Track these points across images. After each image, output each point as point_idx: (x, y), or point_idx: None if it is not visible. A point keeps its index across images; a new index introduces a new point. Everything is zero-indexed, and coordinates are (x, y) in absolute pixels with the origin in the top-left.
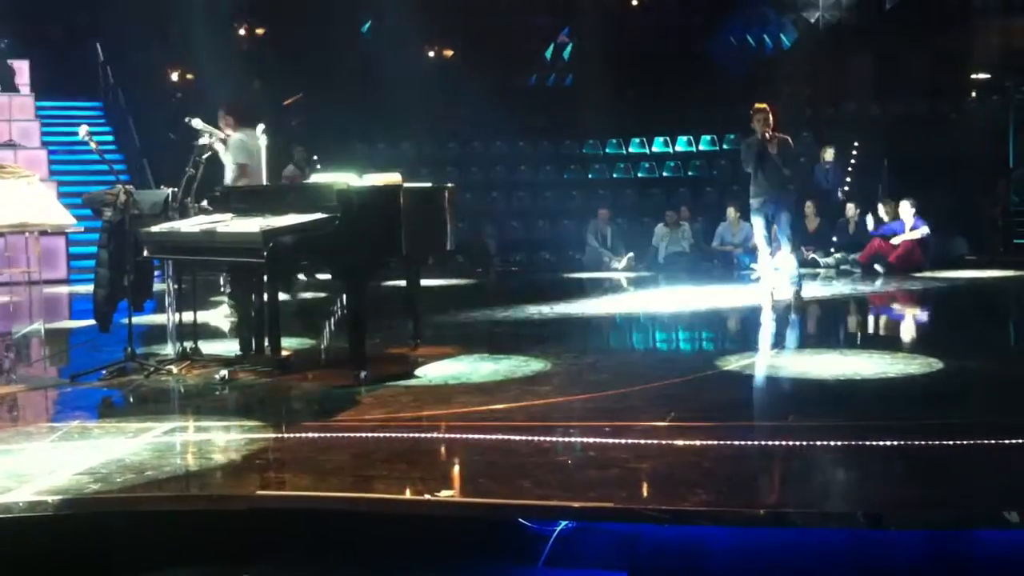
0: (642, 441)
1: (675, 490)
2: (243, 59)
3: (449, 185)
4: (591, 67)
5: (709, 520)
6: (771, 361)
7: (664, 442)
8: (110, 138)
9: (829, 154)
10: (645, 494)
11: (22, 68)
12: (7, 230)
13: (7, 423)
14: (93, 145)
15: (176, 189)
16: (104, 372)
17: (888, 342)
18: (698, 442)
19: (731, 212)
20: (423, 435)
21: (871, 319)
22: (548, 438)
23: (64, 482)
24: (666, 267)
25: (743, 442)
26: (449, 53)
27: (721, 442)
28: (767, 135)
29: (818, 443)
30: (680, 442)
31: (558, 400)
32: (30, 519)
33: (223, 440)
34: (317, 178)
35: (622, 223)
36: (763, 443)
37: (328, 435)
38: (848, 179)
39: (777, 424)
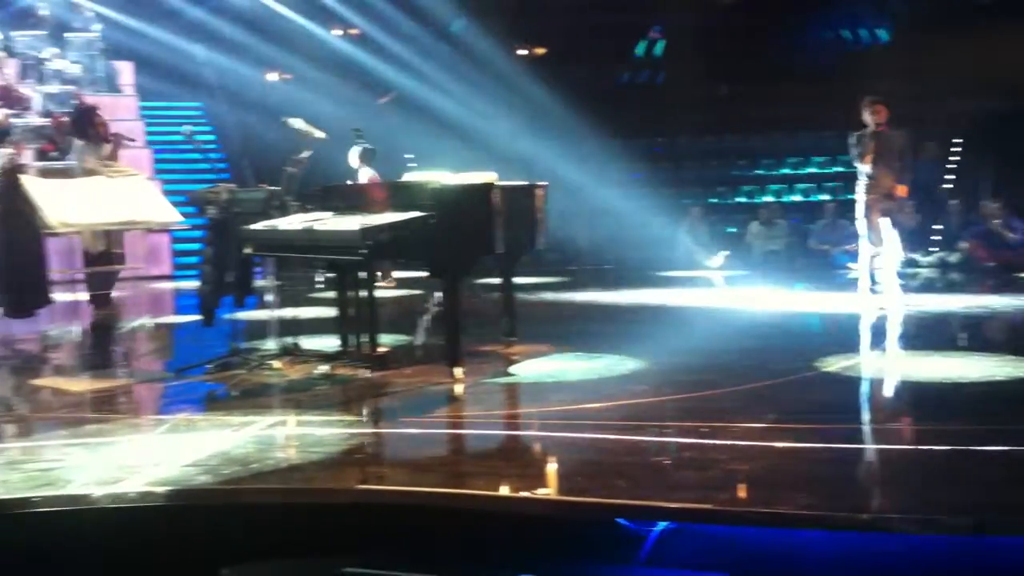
0: (740, 442)
1: (774, 493)
2: (338, 59)
3: (542, 183)
4: (683, 64)
5: (810, 524)
6: (873, 363)
7: (763, 444)
8: (212, 137)
9: (930, 151)
10: (744, 496)
11: (126, 69)
12: (116, 227)
13: (117, 415)
14: (196, 144)
15: (276, 187)
16: (208, 366)
17: (994, 344)
18: (798, 444)
19: (830, 209)
20: (519, 432)
21: (975, 320)
22: (644, 438)
23: (172, 473)
24: (761, 266)
25: (844, 445)
26: (540, 51)
27: (821, 445)
28: (880, 129)
29: (921, 447)
30: (779, 444)
31: (653, 399)
32: (139, 509)
33: (324, 435)
34: (412, 177)
35: (716, 221)
36: (864, 446)
37: (425, 431)
38: (950, 177)
39: (879, 427)
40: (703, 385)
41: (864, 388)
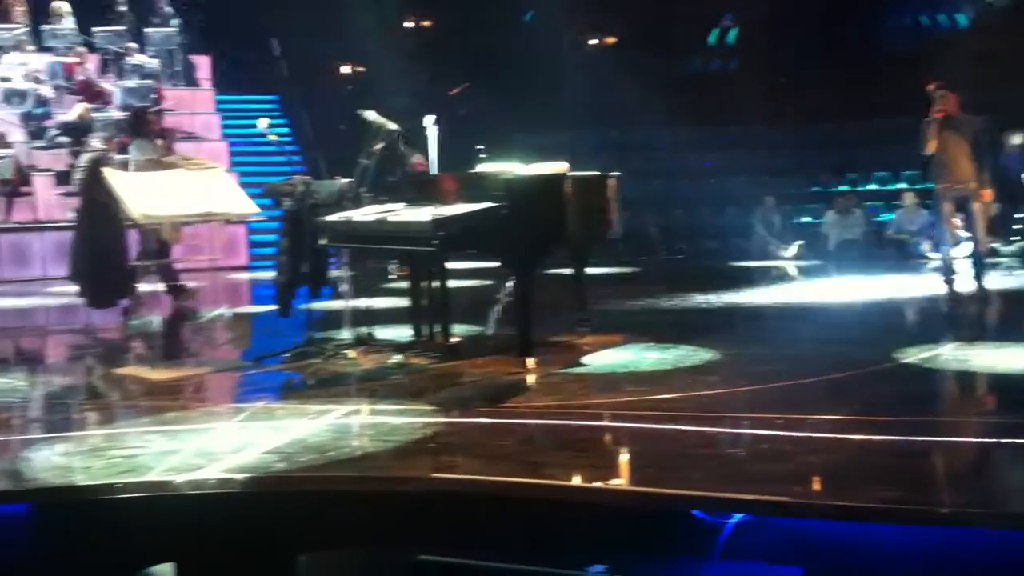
0: (816, 435)
1: (851, 486)
2: (411, 52)
3: (614, 173)
4: (756, 51)
5: (887, 518)
6: (953, 354)
7: (840, 436)
8: (286, 130)
9: (1017, 138)
10: (820, 489)
11: (202, 63)
12: (195, 219)
13: (196, 403)
14: (272, 137)
15: (351, 179)
16: (285, 355)
17: None
18: (875, 437)
19: (908, 198)
20: (592, 423)
21: None
22: (718, 429)
23: (251, 461)
24: (837, 255)
25: (923, 438)
26: (611, 40)
27: (900, 438)
28: (951, 115)
29: (1002, 441)
30: (857, 436)
31: (727, 390)
32: (218, 496)
33: (398, 423)
34: (485, 167)
35: (790, 210)
36: (944, 439)
37: (498, 420)
38: None
39: (958, 420)
40: (778, 376)
41: (944, 380)
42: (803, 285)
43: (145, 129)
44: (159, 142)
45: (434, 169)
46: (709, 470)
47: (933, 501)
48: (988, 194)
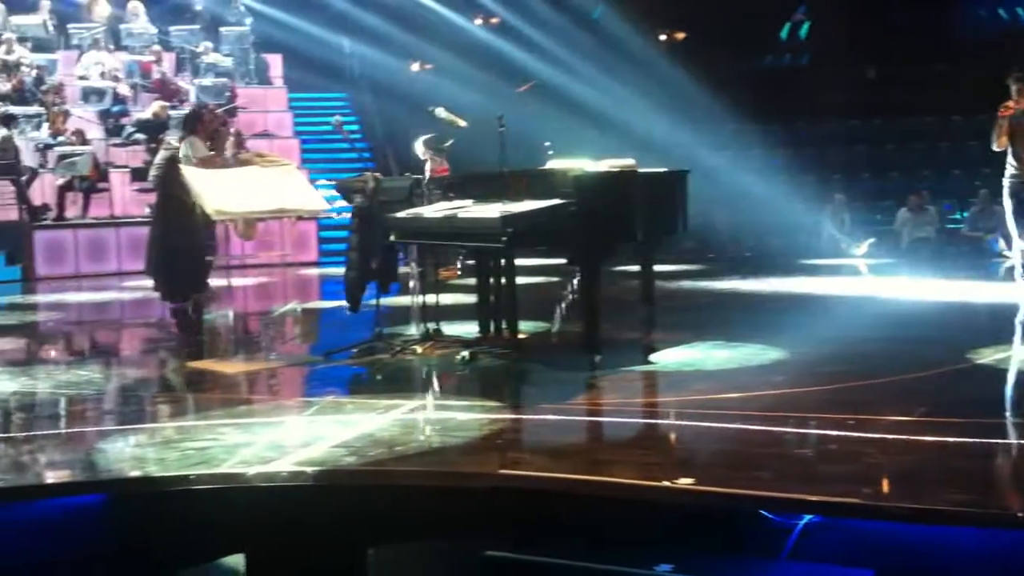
0: (888, 436)
1: (924, 488)
2: (480, 49)
3: (682, 169)
4: (829, 46)
5: (960, 521)
6: None
7: (912, 437)
8: (356, 127)
9: None
10: (892, 491)
11: (275, 62)
12: (268, 216)
13: (267, 397)
14: (344, 135)
15: (420, 176)
16: (354, 350)
17: None
18: (949, 439)
19: (983, 195)
20: (658, 421)
21: None
22: (787, 429)
23: (321, 454)
24: (909, 253)
25: (997, 440)
26: (681, 36)
27: (974, 440)
28: (1009, 110)
29: None
30: (929, 438)
31: (796, 390)
32: (288, 488)
33: (465, 419)
34: (553, 164)
35: (861, 207)
36: (1018, 442)
37: (565, 418)
38: None
39: None
40: (848, 376)
41: (1019, 381)
42: (874, 283)
43: (200, 128)
44: (208, 143)
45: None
46: (778, 470)
47: (1007, 504)
48: None
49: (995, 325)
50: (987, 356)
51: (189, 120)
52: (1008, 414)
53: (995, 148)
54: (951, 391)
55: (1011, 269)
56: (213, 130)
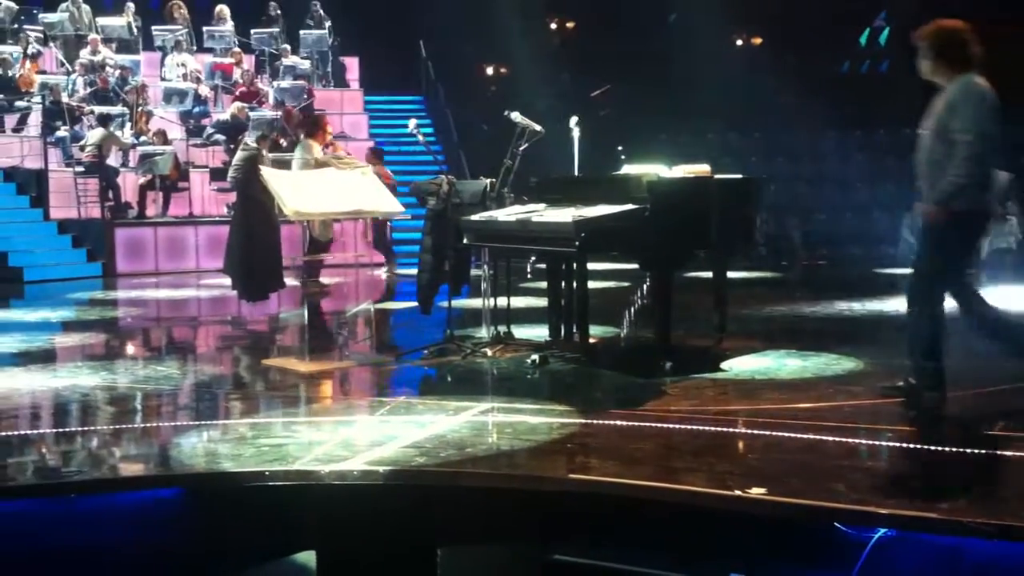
0: (967, 450)
1: (1004, 504)
2: (554, 53)
3: (758, 176)
4: (909, 52)
5: None
6: None
7: (992, 452)
8: (430, 130)
9: None
10: (971, 506)
11: (352, 65)
12: (344, 216)
13: (340, 396)
14: (420, 138)
15: (494, 179)
16: (425, 352)
17: None
18: None
19: None
20: (730, 430)
21: None
22: (862, 440)
23: (392, 454)
24: (989, 264)
25: None
26: (758, 41)
27: None
28: None
29: None
30: (1011, 453)
31: (871, 401)
32: (360, 487)
33: (535, 422)
34: (627, 169)
35: None
36: None
37: (635, 424)
38: None
39: None
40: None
41: None
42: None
43: (319, 132)
44: (324, 148)
45: (576, 171)
46: (852, 482)
47: None
48: None
49: None
50: None
51: (310, 124)
52: None
53: None
54: None
55: None
56: (331, 140)
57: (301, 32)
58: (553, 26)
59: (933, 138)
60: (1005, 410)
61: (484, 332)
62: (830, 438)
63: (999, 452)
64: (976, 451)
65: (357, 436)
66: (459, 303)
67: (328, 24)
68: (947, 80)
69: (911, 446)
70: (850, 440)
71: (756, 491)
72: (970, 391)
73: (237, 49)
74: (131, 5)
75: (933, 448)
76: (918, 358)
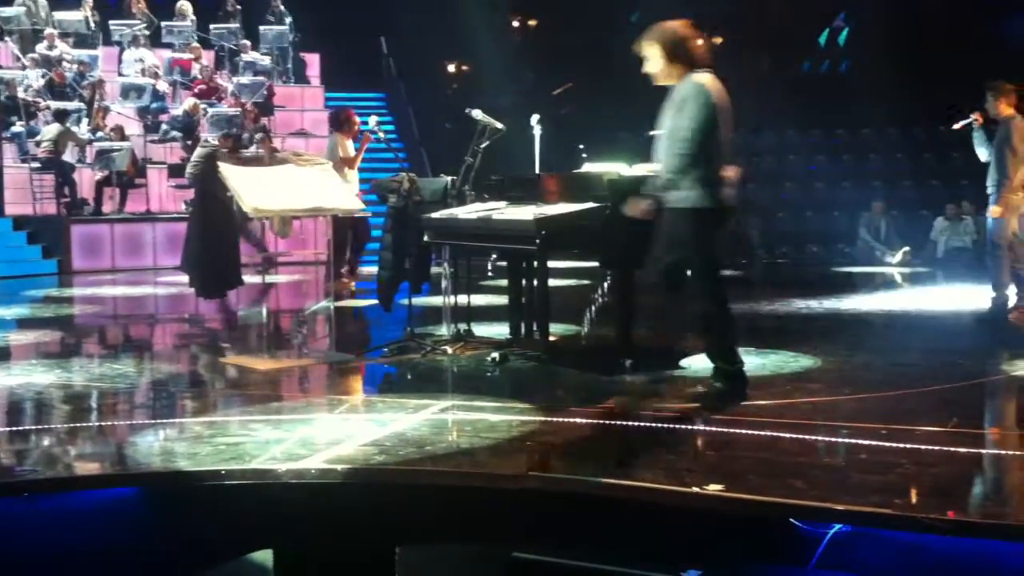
0: (922, 446)
1: (958, 499)
2: (516, 50)
3: None
4: (869, 53)
5: (996, 533)
6: None
7: (946, 448)
8: (391, 127)
9: None
10: (926, 502)
11: (313, 61)
12: (303, 214)
13: (299, 394)
14: (381, 135)
15: (455, 177)
16: (386, 350)
17: None
18: (984, 451)
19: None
20: (689, 427)
21: None
22: (820, 437)
23: (351, 452)
24: (945, 263)
25: None
26: (718, 40)
27: (1009, 452)
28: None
29: None
30: (963, 449)
31: (829, 399)
32: (318, 486)
33: (495, 420)
34: (588, 168)
35: (897, 216)
36: None
37: (595, 421)
38: None
39: None
40: (881, 386)
41: None
42: (909, 293)
43: (346, 127)
44: (350, 142)
45: (537, 168)
46: (809, 479)
47: None
48: (995, 211)
49: None
50: (1023, 368)
51: (336, 119)
52: None
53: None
54: (985, 403)
55: None
56: (359, 131)
57: (261, 28)
58: (516, 24)
59: (668, 138)
60: (959, 407)
61: (445, 330)
62: (787, 435)
63: (952, 449)
64: (933, 448)
65: (316, 434)
66: (420, 301)
67: (289, 20)
68: (677, 80)
69: (868, 443)
70: (807, 437)
71: (714, 488)
72: (927, 387)
73: (196, 44)
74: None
75: (890, 445)
76: (712, 350)
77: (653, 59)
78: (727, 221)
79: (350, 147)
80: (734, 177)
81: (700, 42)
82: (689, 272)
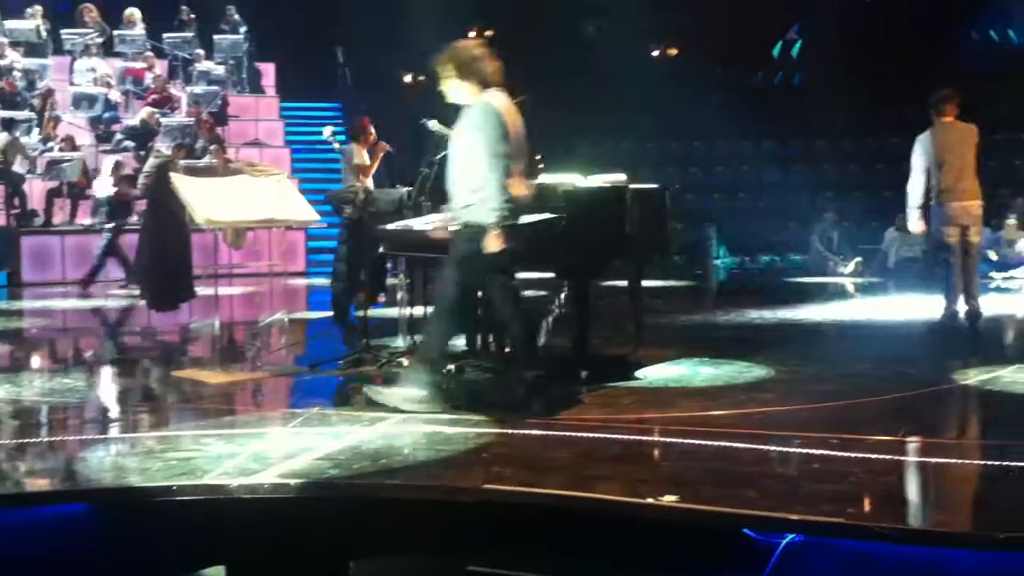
0: (873, 456)
1: (909, 508)
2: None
3: (675, 186)
4: (822, 65)
5: (946, 542)
6: (1013, 377)
7: (897, 458)
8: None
9: None
10: (878, 511)
11: (268, 71)
12: (257, 225)
13: (252, 407)
14: (336, 145)
15: (411, 188)
16: (340, 362)
17: None
18: (933, 460)
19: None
20: (644, 438)
21: None
22: (773, 447)
23: (305, 466)
24: (896, 273)
25: (982, 461)
26: (674, 52)
27: (958, 460)
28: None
29: None
30: (914, 458)
31: (782, 408)
32: (272, 500)
33: (451, 433)
34: (543, 178)
35: (850, 226)
36: (1003, 463)
37: (551, 433)
38: None
39: (1017, 444)
40: (834, 395)
41: (1003, 403)
42: (861, 303)
43: (363, 136)
44: (365, 152)
45: None
46: (763, 488)
47: (991, 526)
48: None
49: (982, 347)
50: (972, 377)
51: (353, 129)
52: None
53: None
54: (935, 412)
55: (998, 288)
56: (374, 141)
57: (216, 37)
58: (472, 35)
59: (460, 158)
60: (910, 416)
61: (400, 342)
62: (742, 445)
63: (903, 458)
64: (884, 457)
65: (269, 448)
66: (375, 313)
67: (243, 29)
68: (467, 100)
69: (820, 452)
70: (760, 447)
71: (668, 498)
72: (879, 396)
73: (150, 53)
74: (39, 8)
75: (843, 454)
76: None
77: (445, 78)
78: (520, 238)
79: (366, 157)
80: (527, 194)
81: (492, 61)
82: (482, 290)
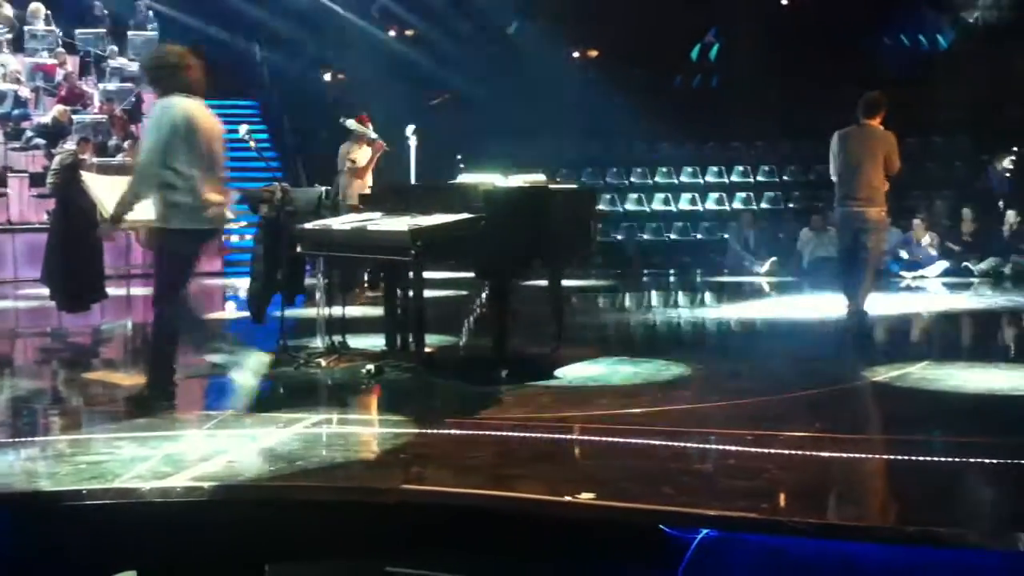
0: (786, 451)
1: (822, 503)
2: (392, 60)
3: (593, 187)
4: (738, 68)
5: (858, 535)
6: (922, 373)
7: (809, 453)
8: (264, 136)
9: (1007, 161)
10: (790, 505)
11: None
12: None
13: (165, 410)
14: (252, 144)
15: (329, 187)
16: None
17: None
18: (844, 454)
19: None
20: (563, 436)
21: None
22: (689, 444)
23: (219, 469)
24: (811, 273)
25: (892, 456)
26: (593, 54)
27: (869, 455)
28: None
29: (970, 460)
30: (826, 454)
31: (698, 406)
32: (185, 504)
33: (369, 433)
34: (463, 178)
35: (766, 227)
36: (913, 458)
37: (470, 432)
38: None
39: (925, 439)
40: (749, 392)
41: (912, 399)
42: (776, 302)
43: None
44: (367, 148)
45: (413, 179)
46: (679, 485)
47: (901, 519)
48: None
49: (890, 344)
50: (881, 374)
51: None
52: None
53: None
54: (846, 408)
55: (907, 287)
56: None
57: (129, 33)
58: (392, 33)
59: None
60: (823, 412)
61: (319, 342)
62: (659, 442)
63: (816, 453)
64: (797, 452)
65: (183, 451)
66: (293, 313)
67: (154, 26)
68: (161, 101)
69: (736, 448)
70: (677, 443)
71: (585, 496)
72: (792, 393)
73: (61, 50)
74: None
75: (756, 450)
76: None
77: (147, 80)
78: (205, 242)
79: (362, 155)
80: (220, 199)
81: (191, 68)
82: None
